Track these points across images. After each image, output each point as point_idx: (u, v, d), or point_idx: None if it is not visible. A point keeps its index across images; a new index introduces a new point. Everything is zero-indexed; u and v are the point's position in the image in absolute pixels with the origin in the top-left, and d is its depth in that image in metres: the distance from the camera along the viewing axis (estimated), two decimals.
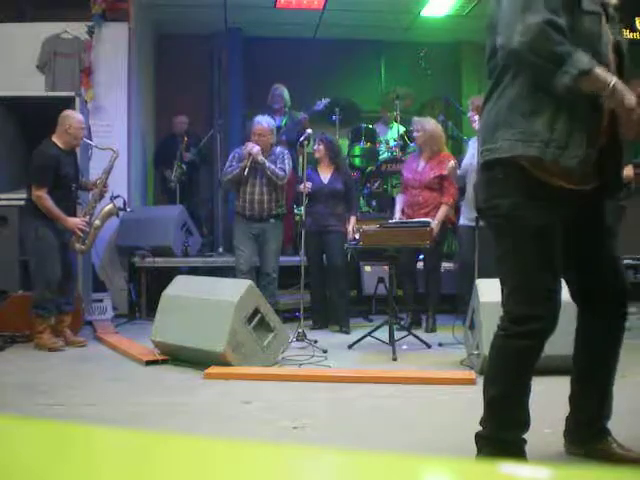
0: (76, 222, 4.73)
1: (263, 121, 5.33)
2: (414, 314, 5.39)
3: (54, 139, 4.71)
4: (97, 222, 4.94)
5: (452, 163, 5.07)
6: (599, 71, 1.89)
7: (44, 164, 4.61)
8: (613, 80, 1.89)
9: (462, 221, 4.92)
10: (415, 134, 5.46)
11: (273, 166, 5.24)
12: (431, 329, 5.36)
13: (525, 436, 2.10)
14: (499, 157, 2.04)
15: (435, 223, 5.05)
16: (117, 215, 5.25)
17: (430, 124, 5.40)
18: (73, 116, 4.82)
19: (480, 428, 2.15)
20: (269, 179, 5.23)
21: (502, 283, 2.12)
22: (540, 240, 2.03)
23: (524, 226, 2.03)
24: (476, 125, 4.67)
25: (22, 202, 4.92)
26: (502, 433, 2.10)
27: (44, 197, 4.58)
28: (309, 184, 5.39)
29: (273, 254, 5.30)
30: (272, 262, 5.28)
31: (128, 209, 5.71)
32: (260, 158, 5.18)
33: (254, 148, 5.18)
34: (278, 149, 5.43)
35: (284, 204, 5.44)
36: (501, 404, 2.10)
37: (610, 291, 2.19)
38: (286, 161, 5.33)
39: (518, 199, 2.03)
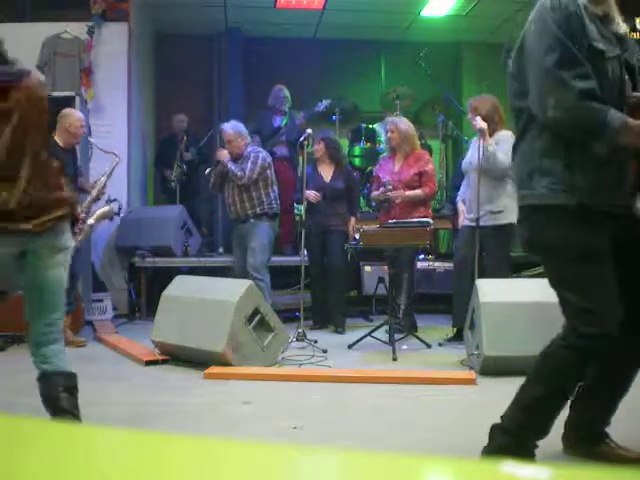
0: None
1: (227, 128, 5.35)
2: (409, 317, 5.28)
3: (55, 137, 4.73)
4: (90, 221, 4.94)
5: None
6: (630, 125, 1.95)
7: None
8: None
9: (463, 221, 4.91)
10: (389, 135, 5.32)
11: (234, 167, 5.21)
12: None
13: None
14: (541, 204, 2.11)
15: (404, 194, 5.04)
16: (111, 219, 5.25)
17: (404, 124, 5.30)
18: (73, 114, 4.83)
19: (499, 421, 2.17)
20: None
21: (564, 304, 2.14)
22: (593, 264, 2.07)
23: (576, 253, 2.07)
24: (477, 124, 4.66)
25: None
26: (523, 433, 2.13)
27: None
28: (318, 194, 5.39)
29: (253, 252, 5.19)
30: (252, 261, 5.17)
31: (121, 214, 5.72)
32: (226, 163, 5.23)
33: (222, 155, 5.29)
34: (249, 149, 5.33)
35: (270, 202, 5.31)
36: (535, 407, 2.12)
37: None
38: (250, 160, 5.23)
39: (564, 226, 2.08)
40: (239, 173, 5.19)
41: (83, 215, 4.87)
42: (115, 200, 5.25)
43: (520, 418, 2.13)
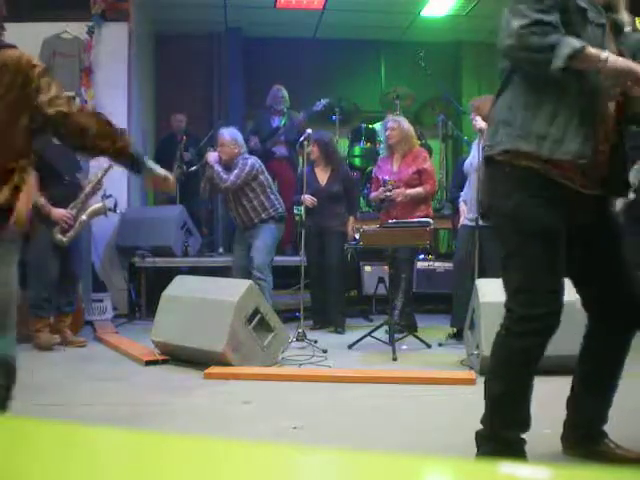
0: (62, 213, 4.73)
1: (225, 133, 5.38)
2: (409, 317, 5.25)
3: None
4: (83, 217, 4.93)
5: None
6: (591, 49, 1.93)
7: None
8: (605, 54, 1.93)
9: (463, 221, 4.91)
10: (388, 132, 5.30)
11: (220, 170, 5.23)
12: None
13: (525, 436, 2.10)
14: (498, 151, 2.08)
15: (406, 192, 5.03)
16: (105, 214, 5.23)
17: (405, 123, 5.33)
18: None
19: (481, 427, 2.16)
20: (238, 191, 5.25)
21: (505, 282, 2.13)
22: (543, 240, 2.04)
23: (527, 226, 2.05)
24: (477, 125, 4.66)
25: None
26: (503, 432, 2.11)
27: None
28: (314, 198, 5.39)
29: (257, 251, 5.19)
30: (255, 260, 5.16)
31: (118, 210, 5.71)
32: (213, 164, 5.27)
33: (210, 157, 5.34)
34: (239, 157, 5.31)
35: (272, 205, 5.32)
36: (502, 403, 2.11)
37: (622, 302, 2.19)
38: (238, 167, 5.23)
39: (522, 198, 2.05)
40: (224, 177, 5.21)
41: (74, 211, 4.86)
42: (110, 196, 5.23)
43: (494, 418, 2.12)
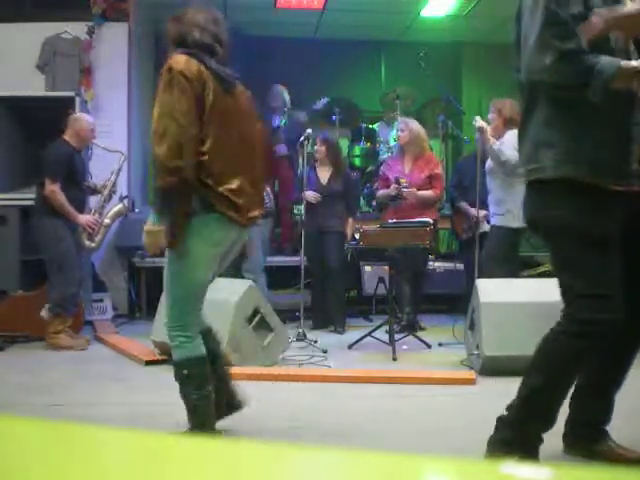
0: (87, 219, 4.82)
1: None
2: (410, 317, 5.27)
3: (66, 138, 4.78)
4: (107, 220, 5.02)
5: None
6: (624, 65, 1.89)
7: (58, 159, 4.70)
8: (636, 63, 1.90)
9: (495, 221, 4.77)
10: (399, 133, 5.39)
11: None
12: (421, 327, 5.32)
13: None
14: (546, 177, 2.06)
15: (415, 193, 5.03)
16: (126, 215, 5.36)
17: (415, 124, 5.38)
18: (84, 119, 4.95)
19: (504, 413, 2.16)
20: None
21: (564, 287, 2.12)
22: (602, 247, 2.04)
23: (585, 234, 2.04)
24: (477, 124, 4.64)
25: (23, 202, 5.01)
26: (527, 424, 2.10)
27: (57, 192, 4.64)
28: (318, 195, 5.39)
29: (246, 253, 5.16)
30: (246, 263, 5.19)
31: (136, 209, 5.78)
32: None
33: None
34: None
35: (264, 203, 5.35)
36: (538, 397, 2.11)
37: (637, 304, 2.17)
38: None
39: (575, 208, 2.04)
40: None
41: (97, 216, 4.95)
42: (127, 197, 5.31)
43: (522, 410, 2.11)
